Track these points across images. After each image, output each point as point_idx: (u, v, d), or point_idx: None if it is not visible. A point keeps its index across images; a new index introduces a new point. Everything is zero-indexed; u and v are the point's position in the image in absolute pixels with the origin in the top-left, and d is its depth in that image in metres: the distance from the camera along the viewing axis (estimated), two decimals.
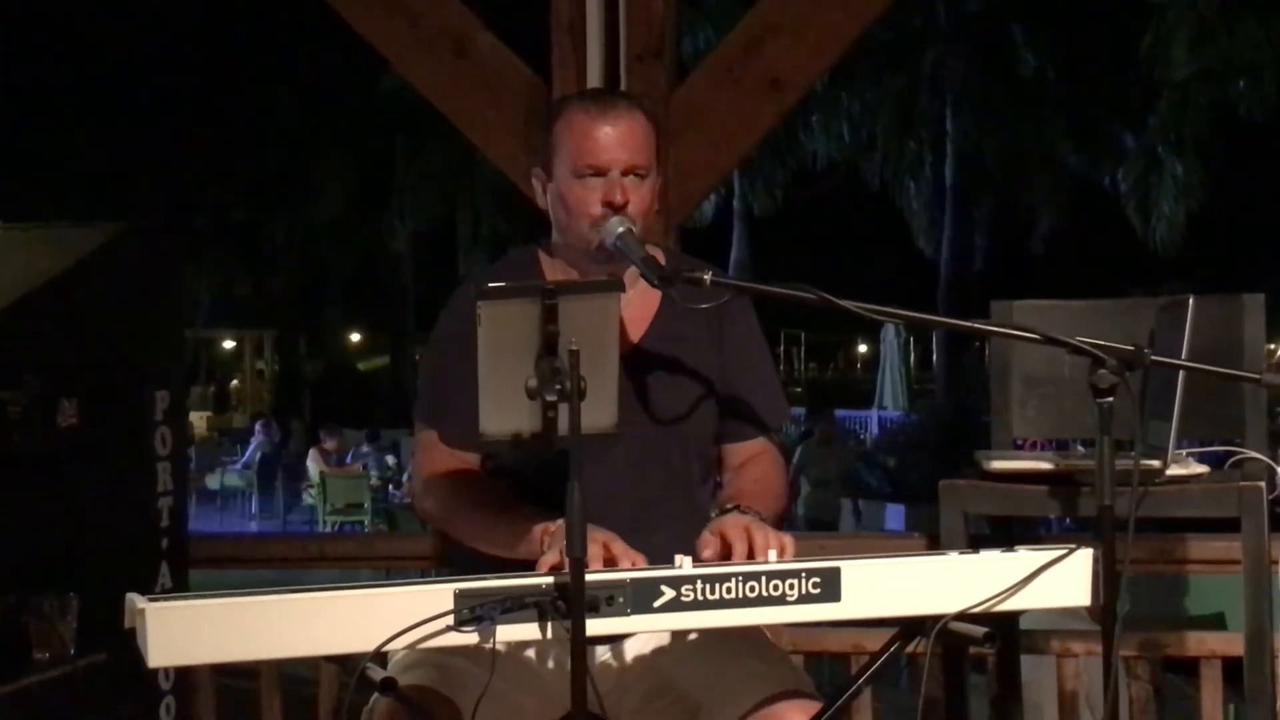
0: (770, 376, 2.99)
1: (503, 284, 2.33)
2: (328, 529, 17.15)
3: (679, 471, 2.84)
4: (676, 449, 2.83)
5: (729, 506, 2.63)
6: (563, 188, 2.74)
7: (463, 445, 2.76)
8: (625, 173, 2.70)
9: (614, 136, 2.70)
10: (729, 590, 2.37)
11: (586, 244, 2.71)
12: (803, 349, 47.88)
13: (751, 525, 2.51)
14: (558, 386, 2.21)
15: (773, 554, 2.44)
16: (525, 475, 2.70)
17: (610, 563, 2.41)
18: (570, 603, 2.22)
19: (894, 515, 15.03)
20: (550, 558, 2.40)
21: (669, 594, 2.36)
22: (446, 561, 2.89)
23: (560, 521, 2.48)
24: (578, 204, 2.71)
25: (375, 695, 2.54)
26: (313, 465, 18.95)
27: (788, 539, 2.50)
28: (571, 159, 2.72)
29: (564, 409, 2.22)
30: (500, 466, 2.76)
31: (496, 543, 2.66)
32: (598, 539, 2.43)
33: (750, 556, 2.45)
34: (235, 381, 38.65)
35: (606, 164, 2.70)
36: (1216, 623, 5.66)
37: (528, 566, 2.44)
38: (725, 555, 2.46)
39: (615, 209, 2.67)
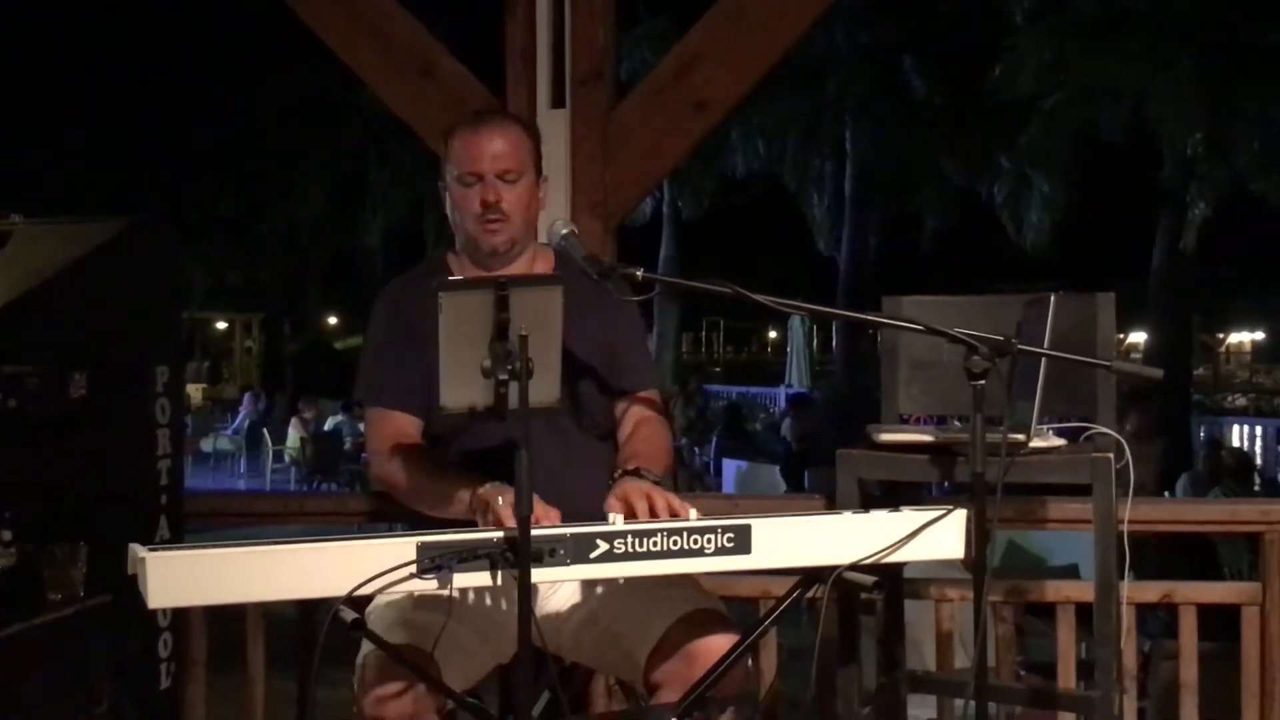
0: (646, 345, 3.06)
1: (461, 278, 2.35)
2: (305, 488, 17.05)
3: (589, 433, 2.86)
4: (585, 414, 2.85)
5: (630, 469, 2.65)
6: (453, 193, 2.82)
7: (399, 408, 2.78)
8: (499, 176, 2.75)
9: (486, 148, 2.78)
10: (655, 544, 2.39)
11: (476, 241, 2.78)
12: (721, 334, 48.03)
13: (652, 492, 2.53)
14: (508, 367, 2.22)
15: (693, 512, 2.45)
16: (462, 443, 2.72)
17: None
18: (518, 554, 2.23)
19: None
20: (505, 516, 2.40)
21: (603, 547, 2.37)
22: (401, 519, 2.89)
23: (486, 486, 2.50)
24: (462, 204, 2.79)
25: (366, 648, 2.54)
26: (293, 432, 18.82)
27: (686, 505, 2.53)
28: (456, 168, 2.80)
29: (513, 386, 2.23)
30: (438, 436, 2.79)
31: (430, 504, 2.68)
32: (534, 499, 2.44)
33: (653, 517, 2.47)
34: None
35: (481, 170, 2.75)
36: (1071, 573, 5.72)
37: (465, 523, 2.46)
38: (630, 517, 2.48)
39: (488, 206, 2.74)
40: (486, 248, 2.77)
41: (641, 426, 2.86)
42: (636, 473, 2.63)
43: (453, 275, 2.82)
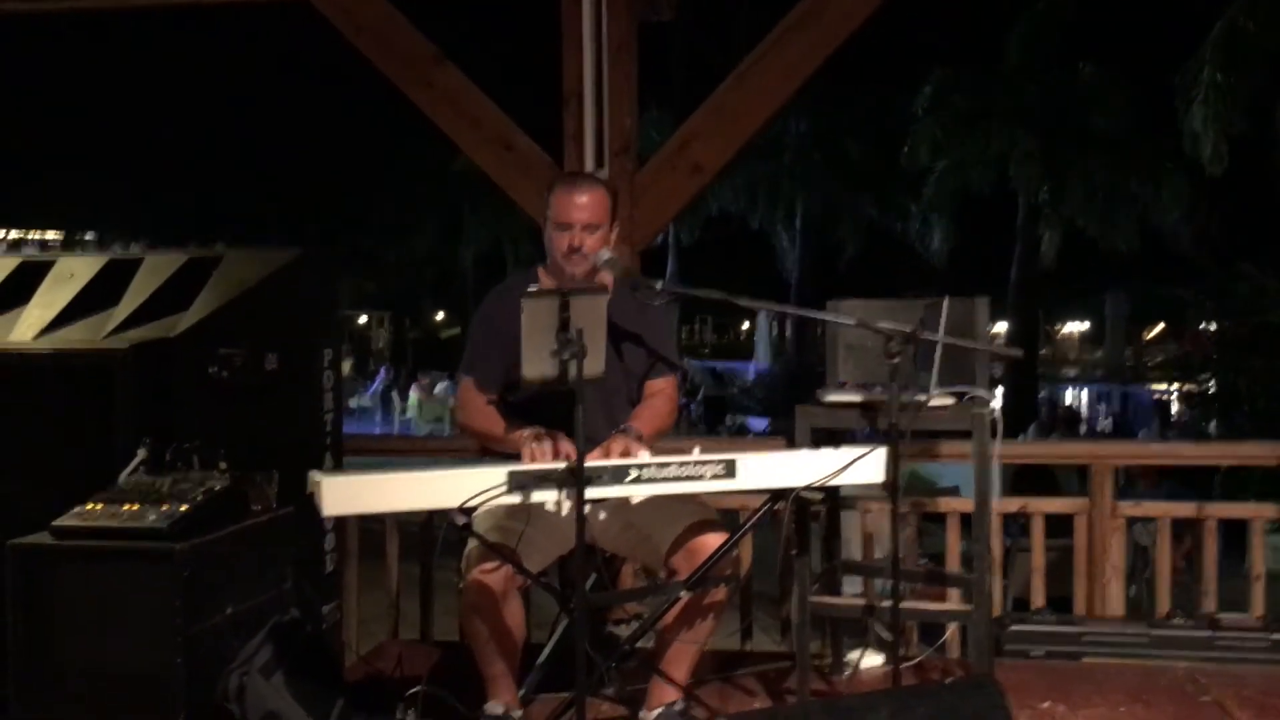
0: (673, 342, 3.00)
1: (537, 288, 2.35)
2: (423, 433, 17.09)
3: (630, 399, 2.84)
4: (625, 386, 2.83)
5: (622, 427, 2.63)
6: (549, 232, 2.75)
7: (483, 388, 2.77)
8: (583, 226, 2.69)
9: (575, 204, 2.70)
10: (669, 472, 2.39)
11: (561, 269, 2.72)
12: (710, 325, 47.96)
13: (614, 443, 2.51)
14: (570, 350, 2.22)
15: (697, 450, 2.45)
16: (527, 406, 2.70)
17: (559, 453, 2.45)
18: (576, 478, 2.24)
19: (762, 425, 15.02)
20: (539, 450, 2.44)
21: (634, 473, 2.38)
22: (484, 454, 2.89)
23: (529, 430, 2.51)
24: (554, 243, 2.72)
25: (471, 543, 2.52)
26: (413, 394, 18.89)
27: (640, 448, 2.50)
28: (553, 216, 2.73)
29: (572, 364, 2.24)
30: (517, 402, 2.73)
31: (494, 443, 2.68)
32: (562, 438, 2.46)
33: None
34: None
35: (570, 220, 2.70)
36: (955, 492, 5.69)
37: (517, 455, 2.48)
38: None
39: (573, 249, 2.68)
40: (567, 275, 2.74)
41: (651, 399, 2.83)
42: (624, 430, 2.61)
43: (541, 284, 2.77)
